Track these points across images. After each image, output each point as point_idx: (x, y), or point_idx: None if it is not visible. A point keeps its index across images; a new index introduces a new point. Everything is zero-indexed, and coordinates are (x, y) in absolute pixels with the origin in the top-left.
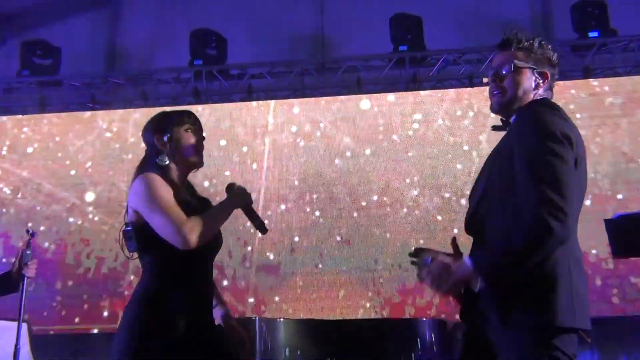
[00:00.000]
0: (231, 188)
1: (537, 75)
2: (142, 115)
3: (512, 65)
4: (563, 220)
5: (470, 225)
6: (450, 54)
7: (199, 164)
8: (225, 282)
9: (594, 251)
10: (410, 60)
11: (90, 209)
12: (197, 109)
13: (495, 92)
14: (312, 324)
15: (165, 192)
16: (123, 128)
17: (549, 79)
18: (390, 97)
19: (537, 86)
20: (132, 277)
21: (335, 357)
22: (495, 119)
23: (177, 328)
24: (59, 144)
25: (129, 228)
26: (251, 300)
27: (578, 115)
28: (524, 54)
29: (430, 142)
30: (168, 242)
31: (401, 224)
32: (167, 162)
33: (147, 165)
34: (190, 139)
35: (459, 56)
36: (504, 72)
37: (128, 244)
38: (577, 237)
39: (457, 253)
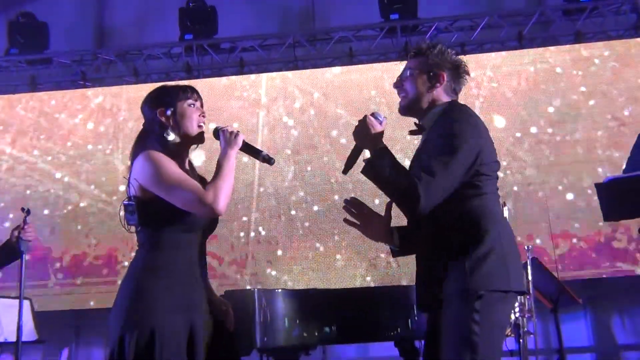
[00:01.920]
0: (218, 133)
1: (432, 78)
2: (134, 92)
3: (408, 71)
4: (428, 200)
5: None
6: (442, 21)
7: (201, 140)
8: (223, 256)
9: (600, 223)
10: (401, 29)
11: (85, 187)
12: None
13: (400, 95)
14: (311, 294)
15: (175, 167)
16: (116, 105)
17: (445, 79)
18: (383, 66)
19: (433, 87)
20: (131, 254)
21: (333, 326)
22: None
23: (172, 296)
24: (51, 123)
25: (131, 202)
26: (249, 273)
27: (580, 89)
28: (421, 60)
29: None
30: (170, 217)
31: None
32: (173, 137)
33: (148, 140)
34: (193, 113)
35: (450, 23)
36: (402, 77)
37: (129, 217)
38: (501, 210)
39: (387, 216)
